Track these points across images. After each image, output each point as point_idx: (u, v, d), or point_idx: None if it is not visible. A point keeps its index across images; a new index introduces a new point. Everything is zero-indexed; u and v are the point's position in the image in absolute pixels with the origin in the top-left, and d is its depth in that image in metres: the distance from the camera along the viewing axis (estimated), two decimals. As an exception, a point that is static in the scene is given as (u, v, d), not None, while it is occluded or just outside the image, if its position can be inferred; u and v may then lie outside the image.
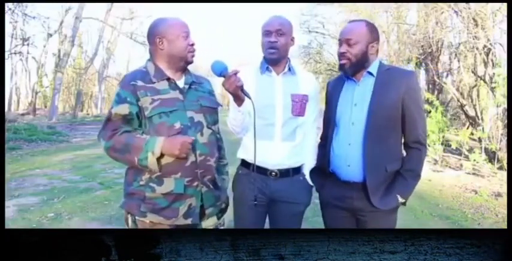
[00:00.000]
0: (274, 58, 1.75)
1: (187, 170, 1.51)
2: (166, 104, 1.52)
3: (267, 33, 1.75)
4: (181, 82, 1.61)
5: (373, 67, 1.69)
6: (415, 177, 1.67)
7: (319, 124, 1.92)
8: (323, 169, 1.79)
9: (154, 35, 1.57)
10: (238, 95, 1.60)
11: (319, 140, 1.91)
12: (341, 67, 1.69)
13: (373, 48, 1.67)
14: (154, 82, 1.55)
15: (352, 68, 1.66)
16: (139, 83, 1.52)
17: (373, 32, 1.67)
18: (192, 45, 1.58)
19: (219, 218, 1.68)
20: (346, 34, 1.65)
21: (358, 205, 1.67)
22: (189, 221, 1.52)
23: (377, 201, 1.62)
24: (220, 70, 1.57)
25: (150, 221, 1.50)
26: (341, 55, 1.66)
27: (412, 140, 1.68)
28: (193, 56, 1.60)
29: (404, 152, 1.74)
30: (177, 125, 1.51)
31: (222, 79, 1.59)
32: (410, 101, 1.64)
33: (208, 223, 1.63)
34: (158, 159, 1.45)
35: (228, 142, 1.78)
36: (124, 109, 1.50)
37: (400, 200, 1.64)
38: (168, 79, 1.57)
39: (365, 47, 1.64)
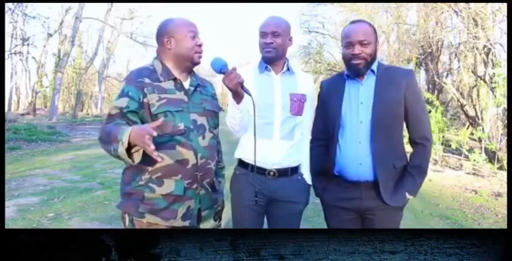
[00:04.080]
0: (271, 56, 1.76)
1: (188, 173, 1.52)
2: (172, 104, 1.52)
3: (263, 34, 1.77)
4: (186, 84, 1.61)
5: (374, 66, 1.71)
6: (422, 173, 1.70)
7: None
8: (325, 171, 1.77)
9: (162, 34, 1.58)
10: (238, 92, 1.59)
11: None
12: (354, 67, 1.66)
13: (377, 47, 1.71)
14: (161, 81, 1.55)
15: (366, 68, 1.67)
16: (147, 80, 1.52)
17: (376, 31, 1.71)
18: (200, 45, 1.58)
19: (215, 220, 1.68)
20: (358, 35, 1.64)
21: (367, 204, 1.67)
22: (187, 223, 1.52)
23: (388, 198, 1.64)
24: (220, 67, 1.57)
25: (147, 221, 1.49)
26: (355, 56, 1.64)
27: (418, 136, 1.71)
28: (200, 57, 1.60)
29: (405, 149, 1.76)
30: (181, 126, 1.51)
31: (221, 80, 1.59)
32: (413, 98, 1.67)
33: (206, 226, 1.63)
34: (129, 150, 1.34)
35: (227, 143, 1.78)
36: (123, 102, 1.48)
37: (408, 197, 1.66)
38: (175, 79, 1.58)
39: (375, 47, 1.67)
